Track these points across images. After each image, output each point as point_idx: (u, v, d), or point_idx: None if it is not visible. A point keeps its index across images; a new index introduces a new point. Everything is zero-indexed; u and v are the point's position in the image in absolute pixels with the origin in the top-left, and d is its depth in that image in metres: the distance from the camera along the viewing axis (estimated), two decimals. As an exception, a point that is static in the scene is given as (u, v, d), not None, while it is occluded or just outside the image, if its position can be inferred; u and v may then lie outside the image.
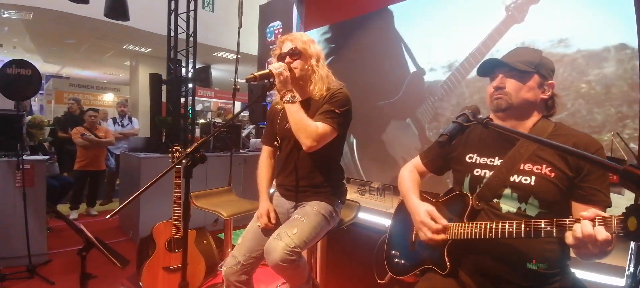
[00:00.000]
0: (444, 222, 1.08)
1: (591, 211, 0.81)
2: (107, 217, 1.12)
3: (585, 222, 0.78)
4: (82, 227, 1.31)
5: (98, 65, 10.88)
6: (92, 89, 11.41)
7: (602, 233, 0.76)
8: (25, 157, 2.67)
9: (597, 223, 0.77)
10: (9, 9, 6.04)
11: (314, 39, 1.55)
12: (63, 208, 4.13)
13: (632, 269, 1.03)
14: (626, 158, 1.39)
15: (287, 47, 1.49)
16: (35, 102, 7.93)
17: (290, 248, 1.31)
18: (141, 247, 2.33)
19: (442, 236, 1.07)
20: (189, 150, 1.18)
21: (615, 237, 0.79)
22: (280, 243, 1.32)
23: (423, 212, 1.11)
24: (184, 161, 1.17)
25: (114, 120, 5.17)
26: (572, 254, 0.92)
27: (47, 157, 3.14)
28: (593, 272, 1.27)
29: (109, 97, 11.61)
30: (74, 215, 3.98)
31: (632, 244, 1.05)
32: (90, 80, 11.88)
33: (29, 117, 3.66)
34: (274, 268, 1.35)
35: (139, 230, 3.19)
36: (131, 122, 5.28)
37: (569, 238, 0.82)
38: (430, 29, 2.23)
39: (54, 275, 2.54)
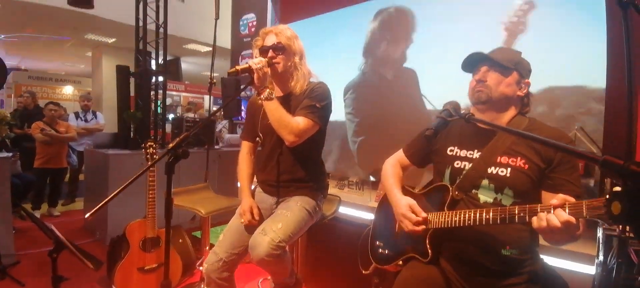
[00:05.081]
0: (424, 214, 1.12)
1: (560, 196, 0.83)
2: (86, 216, 1.06)
3: (559, 211, 0.81)
4: (53, 227, 1.23)
5: (57, 56, 10.17)
6: (51, 82, 10.67)
7: (562, 216, 0.80)
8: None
9: (567, 209, 0.80)
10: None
11: (297, 35, 1.53)
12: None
13: (601, 258, 1.11)
14: (593, 150, 1.49)
15: (270, 40, 1.47)
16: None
17: (275, 243, 1.31)
18: (112, 248, 2.22)
19: (422, 227, 1.12)
20: (171, 145, 1.14)
21: (584, 224, 0.85)
22: (265, 238, 1.32)
23: (404, 205, 1.16)
24: (166, 157, 1.13)
25: (77, 115, 4.82)
26: (542, 242, 0.98)
27: (10, 154, 2.92)
28: (564, 259, 1.36)
29: (68, 90, 10.89)
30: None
31: (600, 233, 1.14)
32: (48, 73, 11.10)
33: (-8, 112, 3.37)
34: (259, 263, 1.34)
35: (108, 230, 3.04)
36: (95, 117, 4.95)
37: (534, 222, 0.86)
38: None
39: (24, 277, 2.40)
